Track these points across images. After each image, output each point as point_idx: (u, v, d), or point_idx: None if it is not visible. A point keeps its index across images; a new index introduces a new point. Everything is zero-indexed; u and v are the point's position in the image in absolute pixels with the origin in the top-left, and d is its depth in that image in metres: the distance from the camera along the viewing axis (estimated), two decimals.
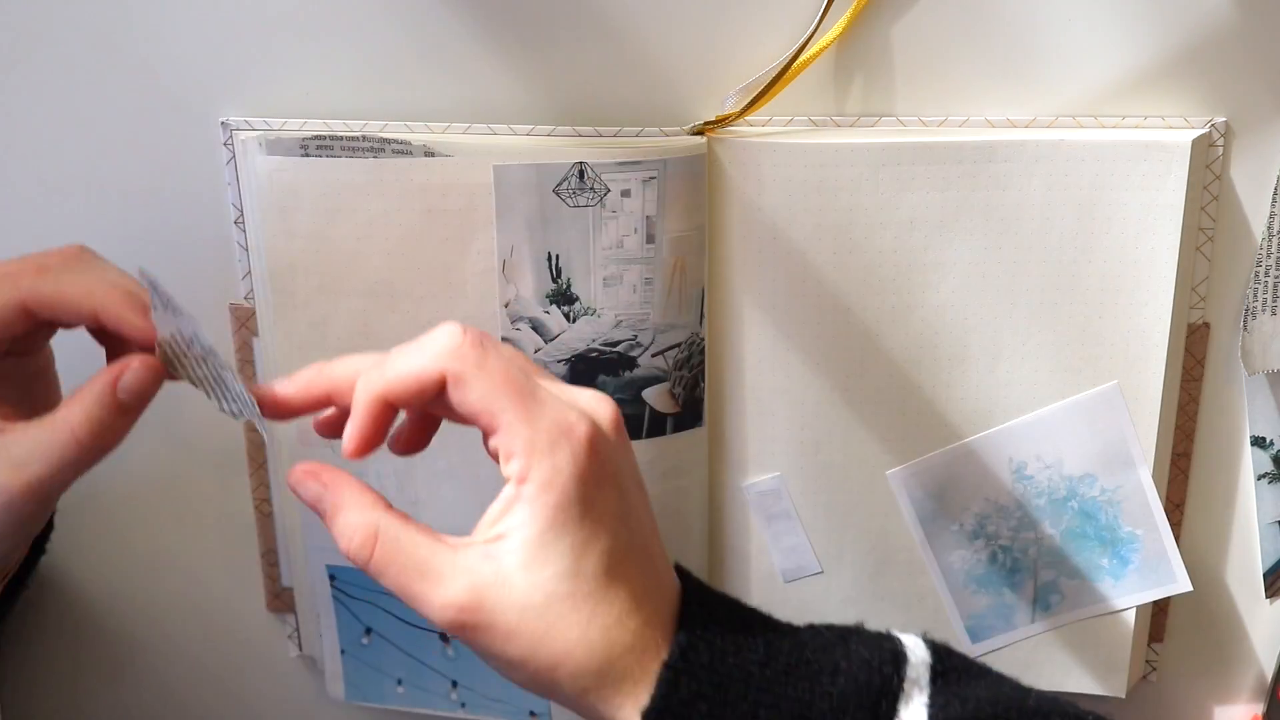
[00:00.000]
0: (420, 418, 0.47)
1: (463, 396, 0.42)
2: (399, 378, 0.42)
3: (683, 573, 0.46)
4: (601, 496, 0.42)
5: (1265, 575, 0.61)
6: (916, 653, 0.45)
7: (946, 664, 0.45)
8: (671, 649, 0.43)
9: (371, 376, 0.43)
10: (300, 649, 0.65)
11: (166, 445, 0.62)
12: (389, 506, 0.44)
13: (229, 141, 0.56)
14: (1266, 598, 0.61)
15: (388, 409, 0.43)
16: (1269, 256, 0.55)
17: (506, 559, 0.42)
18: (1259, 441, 0.59)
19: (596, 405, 0.44)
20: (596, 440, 0.42)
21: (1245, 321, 0.56)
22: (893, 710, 0.43)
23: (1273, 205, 0.55)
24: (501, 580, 0.42)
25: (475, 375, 0.42)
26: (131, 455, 0.62)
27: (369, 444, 0.44)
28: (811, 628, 0.46)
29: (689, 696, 0.42)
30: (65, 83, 0.56)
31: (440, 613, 0.42)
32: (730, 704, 0.42)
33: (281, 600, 0.64)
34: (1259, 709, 0.64)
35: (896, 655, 0.44)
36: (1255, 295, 0.56)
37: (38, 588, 0.64)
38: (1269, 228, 0.55)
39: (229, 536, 0.64)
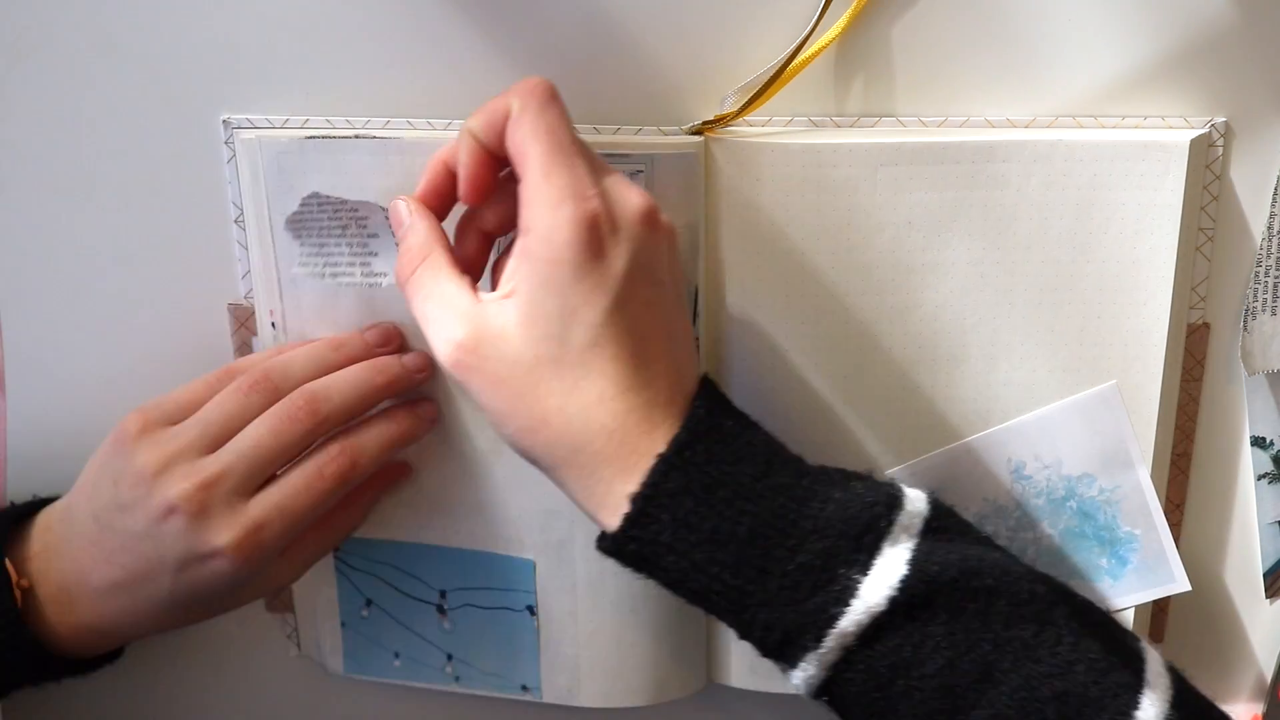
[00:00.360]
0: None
1: (513, 131, 0.46)
2: (481, 109, 0.47)
3: (708, 383, 0.48)
4: (596, 270, 0.45)
5: (1265, 575, 0.61)
6: (916, 504, 0.46)
7: (943, 522, 0.47)
8: (670, 442, 0.45)
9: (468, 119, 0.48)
10: (299, 649, 0.66)
11: None
12: (449, 248, 0.49)
13: (230, 140, 0.56)
14: (1266, 598, 0.61)
15: (478, 144, 0.48)
16: (1269, 256, 0.55)
17: (509, 313, 0.45)
18: (1259, 441, 0.59)
19: (626, 195, 0.47)
20: (601, 219, 0.45)
21: (1245, 321, 0.56)
22: (876, 546, 0.44)
23: (1273, 205, 0.55)
24: (501, 332, 0.46)
25: (530, 116, 0.46)
26: None
27: (475, 184, 0.48)
28: (821, 466, 0.47)
29: (677, 489, 0.44)
30: (65, 82, 0.56)
31: (442, 346, 0.47)
32: (716, 506, 0.44)
33: (281, 600, 0.65)
34: (1259, 709, 0.64)
35: (893, 499, 0.46)
36: (1255, 295, 0.56)
37: None
38: (1269, 228, 0.55)
39: None
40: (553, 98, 0.47)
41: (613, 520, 0.45)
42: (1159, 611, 0.62)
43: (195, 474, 0.51)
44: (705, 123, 0.54)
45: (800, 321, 0.56)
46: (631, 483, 0.45)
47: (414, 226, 0.50)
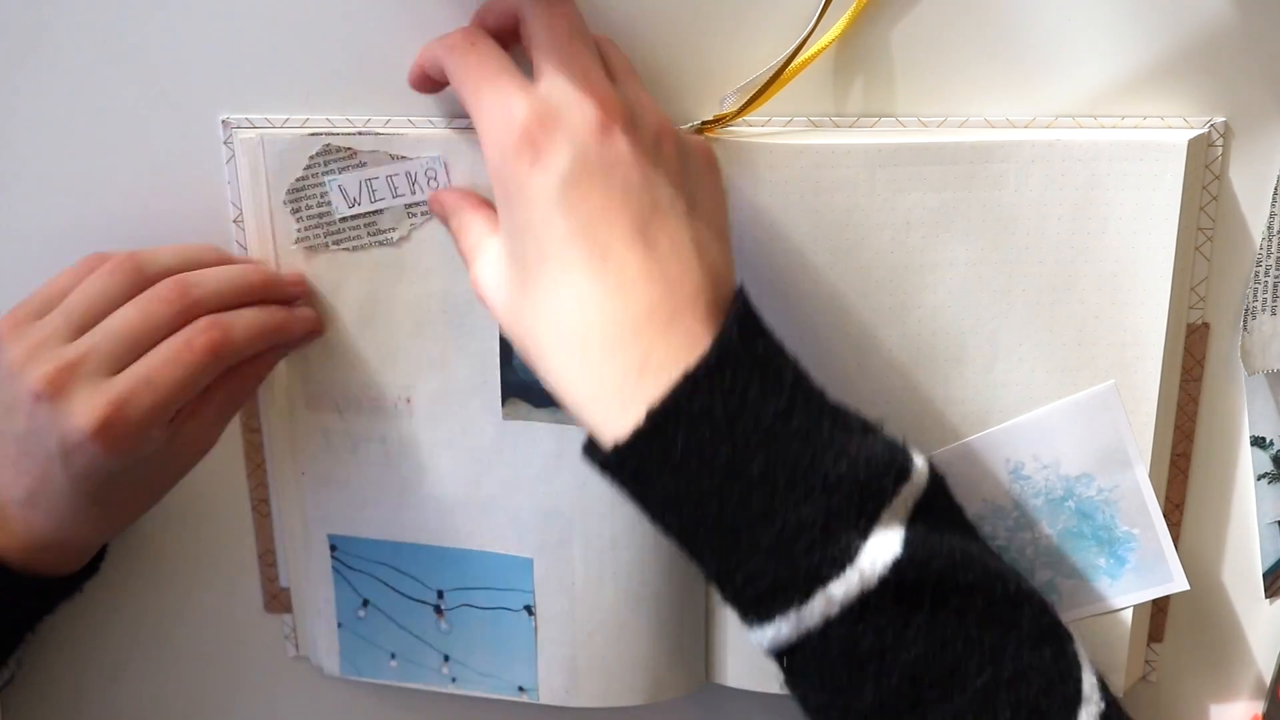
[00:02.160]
0: None
1: (452, 85, 0.49)
2: (422, 53, 0.51)
3: (741, 298, 0.46)
4: (533, 177, 0.45)
5: (1265, 575, 0.61)
6: (919, 477, 0.45)
7: (937, 499, 0.46)
8: (699, 361, 0.43)
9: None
10: (297, 650, 0.66)
11: None
12: (475, 205, 0.52)
13: (229, 140, 0.56)
14: (1266, 598, 0.61)
15: (424, 74, 0.52)
16: (1269, 256, 0.55)
17: (496, 246, 0.48)
18: (1259, 441, 0.59)
19: (577, 101, 0.46)
20: (529, 126, 0.45)
21: (1245, 321, 0.56)
22: (877, 515, 0.43)
23: (1273, 205, 0.55)
24: (494, 269, 0.48)
25: (454, 68, 0.49)
26: None
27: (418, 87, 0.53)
28: (840, 408, 0.46)
29: (699, 412, 0.42)
30: (65, 81, 0.56)
31: (471, 284, 0.50)
32: (735, 438, 0.42)
33: (279, 601, 0.65)
34: (1259, 709, 0.64)
35: (902, 470, 0.44)
36: (1255, 295, 0.56)
37: None
38: (1269, 228, 0.55)
39: (227, 537, 0.64)
40: (473, 41, 0.49)
41: (619, 431, 0.43)
42: (1158, 611, 0.62)
43: (57, 358, 0.49)
44: (704, 123, 0.54)
45: (798, 322, 0.56)
46: (615, 424, 0.43)
47: (456, 231, 0.52)
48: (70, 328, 0.51)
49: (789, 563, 0.43)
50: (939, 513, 0.46)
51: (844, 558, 0.42)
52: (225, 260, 0.56)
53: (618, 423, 0.43)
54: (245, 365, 0.55)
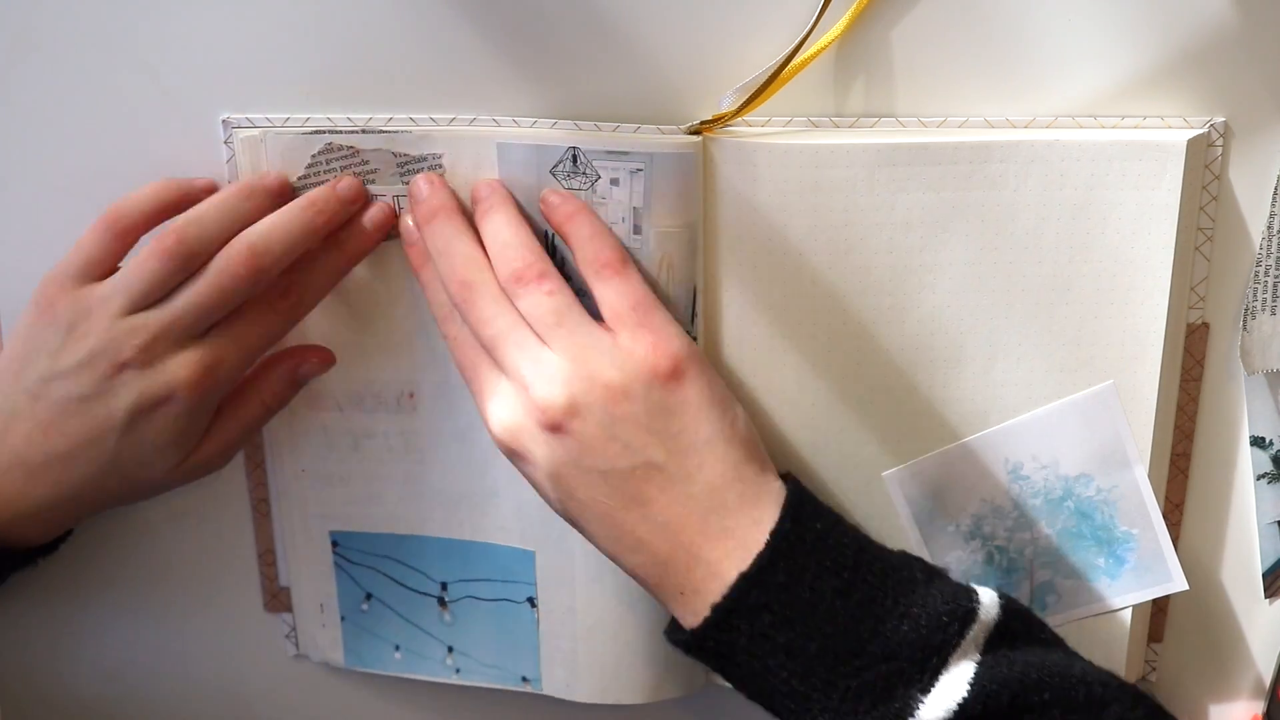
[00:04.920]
0: None
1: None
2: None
3: (793, 486, 0.51)
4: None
5: (1264, 575, 0.61)
6: (988, 613, 0.47)
7: (1012, 625, 0.48)
8: (754, 562, 0.47)
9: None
10: (298, 649, 0.66)
11: None
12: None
13: (230, 139, 0.56)
14: (1265, 598, 0.61)
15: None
16: (1268, 256, 0.55)
17: (514, 398, 0.52)
18: (1258, 441, 0.59)
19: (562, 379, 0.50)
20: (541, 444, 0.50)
21: (1245, 321, 0.56)
22: (943, 664, 0.46)
23: (1272, 205, 0.55)
24: (513, 416, 0.52)
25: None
26: None
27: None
28: (902, 563, 0.49)
29: (757, 604, 0.47)
30: (65, 81, 0.56)
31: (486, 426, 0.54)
32: (792, 622, 0.47)
33: (279, 600, 0.65)
34: (1258, 709, 0.64)
35: (968, 615, 0.47)
36: (1255, 295, 0.56)
37: (37, 588, 0.64)
38: (1268, 228, 0.55)
39: (227, 536, 0.64)
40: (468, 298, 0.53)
41: (690, 619, 0.49)
42: (1158, 611, 0.62)
43: (142, 331, 0.52)
44: (704, 122, 0.54)
45: (797, 322, 0.56)
46: (688, 612, 0.49)
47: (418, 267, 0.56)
48: (130, 304, 0.52)
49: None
50: (1014, 637, 0.47)
51: (905, 712, 0.45)
52: (265, 206, 0.55)
53: (691, 611, 0.49)
54: (264, 389, 0.57)
